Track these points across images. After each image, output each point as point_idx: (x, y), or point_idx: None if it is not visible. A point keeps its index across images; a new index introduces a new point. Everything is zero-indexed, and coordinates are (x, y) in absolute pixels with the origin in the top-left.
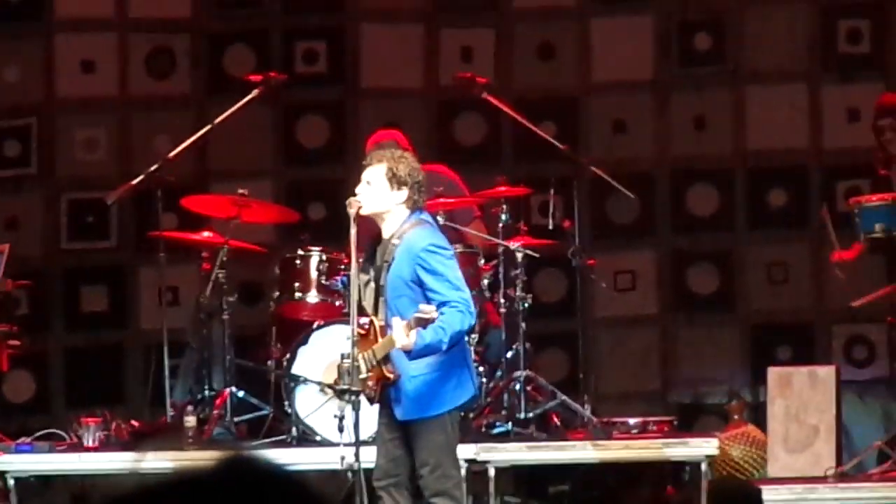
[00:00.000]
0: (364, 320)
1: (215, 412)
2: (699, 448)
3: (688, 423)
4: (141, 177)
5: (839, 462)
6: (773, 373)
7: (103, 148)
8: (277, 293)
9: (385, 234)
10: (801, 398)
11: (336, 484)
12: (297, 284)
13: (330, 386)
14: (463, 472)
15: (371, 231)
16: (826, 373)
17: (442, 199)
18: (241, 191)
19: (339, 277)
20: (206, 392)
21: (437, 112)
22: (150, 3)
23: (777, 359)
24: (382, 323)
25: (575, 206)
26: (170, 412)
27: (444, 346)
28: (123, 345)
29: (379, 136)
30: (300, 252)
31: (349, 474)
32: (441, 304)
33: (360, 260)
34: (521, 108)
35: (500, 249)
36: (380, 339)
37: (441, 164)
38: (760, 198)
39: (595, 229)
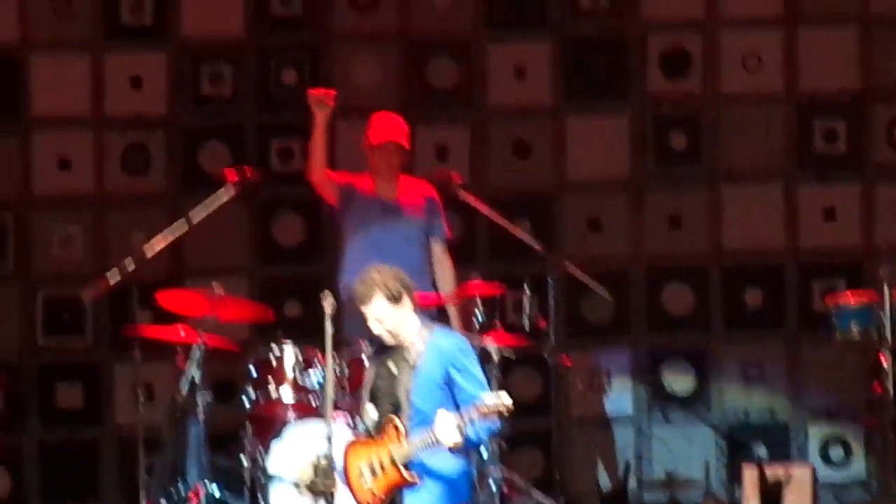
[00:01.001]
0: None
1: None
2: None
3: None
4: (117, 275)
5: None
6: (749, 472)
7: (79, 244)
8: (252, 390)
9: (405, 342)
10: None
11: None
12: (271, 382)
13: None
14: None
15: None
16: (802, 472)
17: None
18: (216, 288)
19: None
20: (181, 489)
21: None
22: (125, 100)
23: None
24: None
25: (550, 304)
26: None
27: (483, 444)
28: (98, 441)
29: (382, 116)
30: (275, 349)
31: None
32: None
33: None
34: (496, 206)
35: (475, 347)
36: (399, 442)
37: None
38: (736, 296)
39: (570, 328)
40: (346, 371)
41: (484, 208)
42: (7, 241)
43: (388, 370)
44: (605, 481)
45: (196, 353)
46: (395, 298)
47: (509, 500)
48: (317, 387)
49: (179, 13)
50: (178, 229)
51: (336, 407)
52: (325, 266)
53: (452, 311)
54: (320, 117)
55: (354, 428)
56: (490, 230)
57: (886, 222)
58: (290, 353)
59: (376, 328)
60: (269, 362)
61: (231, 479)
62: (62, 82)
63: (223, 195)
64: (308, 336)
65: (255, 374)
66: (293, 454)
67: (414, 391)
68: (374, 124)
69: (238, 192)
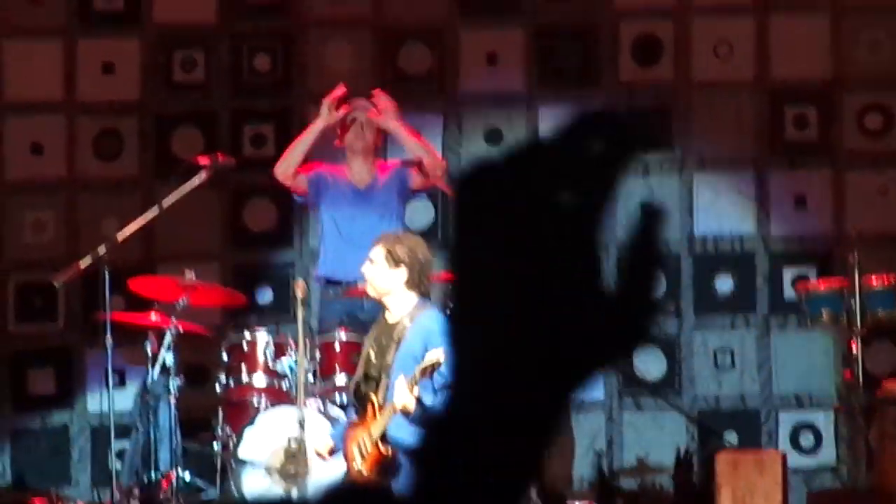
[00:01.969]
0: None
1: (161, 495)
2: None
3: None
4: (89, 261)
5: None
6: (720, 458)
7: (51, 230)
8: (224, 376)
9: (391, 319)
10: (748, 484)
11: None
12: (243, 367)
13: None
14: None
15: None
16: (772, 459)
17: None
18: (188, 273)
19: (284, 358)
20: (153, 474)
21: None
22: (98, 85)
23: (723, 445)
24: (381, 403)
25: None
26: (115, 495)
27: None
28: (70, 427)
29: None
30: (247, 335)
31: None
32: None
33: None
34: None
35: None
36: (375, 418)
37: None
38: (707, 284)
39: None
40: (319, 356)
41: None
42: None
43: (379, 347)
44: (578, 467)
45: (168, 338)
46: (393, 261)
47: None
48: (289, 372)
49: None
50: (149, 215)
51: (308, 392)
52: (297, 252)
53: None
54: (322, 124)
55: (325, 413)
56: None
57: (856, 210)
58: (262, 339)
59: (366, 273)
60: (242, 348)
61: (203, 464)
62: (34, 68)
63: (195, 181)
64: (279, 322)
65: (227, 360)
66: (265, 439)
67: (393, 367)
68: (346, 103)
69: (210, 177)
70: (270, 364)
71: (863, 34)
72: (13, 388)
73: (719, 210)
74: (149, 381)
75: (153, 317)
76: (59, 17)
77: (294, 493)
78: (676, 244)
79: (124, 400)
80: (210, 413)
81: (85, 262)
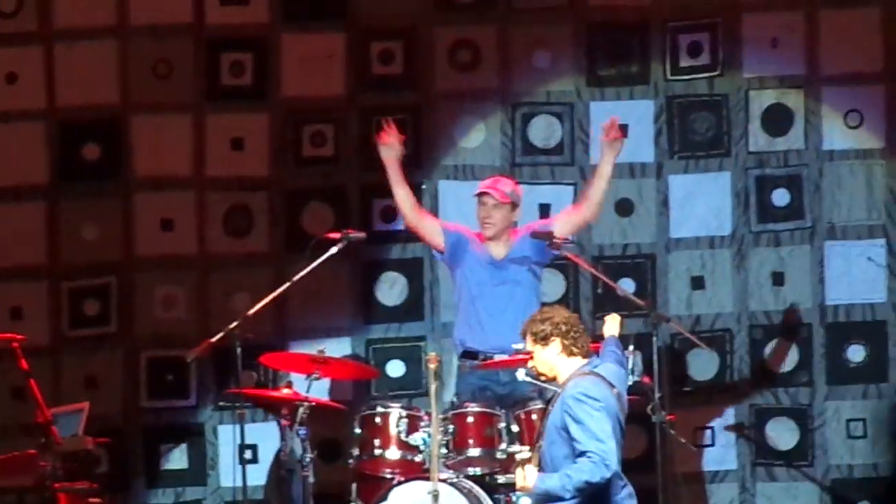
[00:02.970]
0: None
1: None
2: None
3: None
4: (220, 334)
5: None
6: None
7: (182, 306)
8: (357, 450)
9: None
10: None
11: None
12: (376, 441)
13: None
14: None
15: None
16: None
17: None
18: (319, 349)
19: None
20: None
21: None
22: (227, 161)
23: None
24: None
25: (654, 361)
26: None
27: (568, 496)
28: (203, 502)
29: (496, 180)
30: (379, 409)
31: None
32: (579, 454)
33: None
34: (600, 265)
35: None
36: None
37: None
38: (839, 352)
39: (675, 385)
40: (453, 429)
41: (586, 266)
42: (111, 303)
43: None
44: None
45: (300, 413)
46: (542, 340)
47: None
48: (422, 445)
49: (280, 74)
50: (281, 290)
51: (443, 465)
52: (428, 325)
53: None
54: (389, 161)
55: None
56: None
57: None
58: (395, 413)
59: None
60: (374, 421)
61: None
62: (164, 143)
63: (327, 255)
64: (412, 395)
65: (359, 434)
66: None
67: (544, 437)
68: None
69: (341, 251)
70: (403, 437)
71: None
72: (146, 464)
73: (851, 278)
74: (282, 455)
75: (285, 391)
76: (188, 93)
77: None
78: (809, 313)
79: (257, 475)
80: (343, 488)
81: (217, 338)
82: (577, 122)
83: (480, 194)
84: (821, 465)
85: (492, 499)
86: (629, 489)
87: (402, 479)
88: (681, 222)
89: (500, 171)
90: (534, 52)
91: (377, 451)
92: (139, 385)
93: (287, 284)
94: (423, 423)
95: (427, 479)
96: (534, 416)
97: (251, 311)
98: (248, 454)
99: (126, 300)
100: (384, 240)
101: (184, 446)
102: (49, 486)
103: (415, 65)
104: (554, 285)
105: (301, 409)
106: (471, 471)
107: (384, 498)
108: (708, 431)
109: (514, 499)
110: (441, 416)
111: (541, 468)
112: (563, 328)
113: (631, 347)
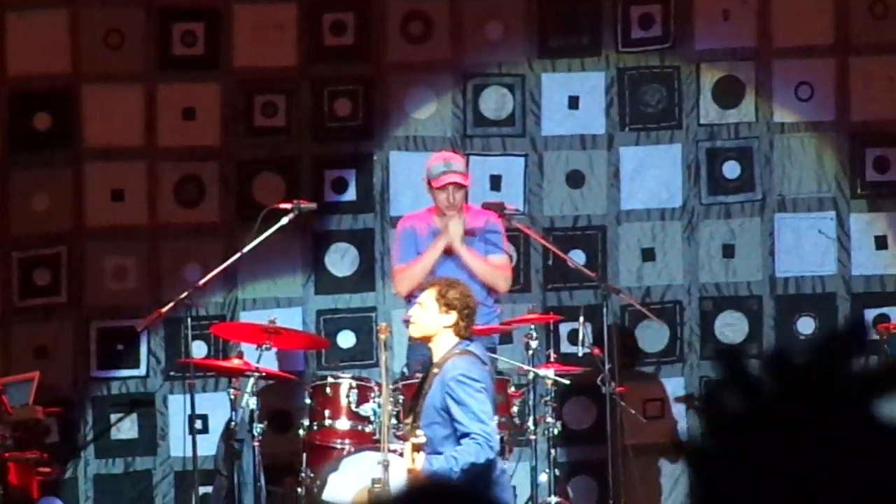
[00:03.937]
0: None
1: None
2: None
3: None
4: (171, 304)
5: None
6: None
7: (132, 276)
8: (307, 420)
9: (435, 357)
10: None
11: None
12: (327, 412)
13: None
14: None
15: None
16: None
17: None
18: (270, 318)
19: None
20: None
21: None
22: (178, 131)
23: None
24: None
25: (604, 333)
26: None
27: (454, 477)
28: (153, 472)
29: (443, 153)
30: (330, 379)
31: None
32: (462, 435)
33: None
34: (551, 236)
35: (531, 376)
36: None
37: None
38: (789, 324)
39: (624, 357)
40: (402, 398)
41: (537, 237)
42: (60, 273)
43: (420, 389)
44: None
45: (250, 384)
46: (444, 305)
47: None
48: (372, 416)
49: (232, 44)
50: (231, 260)
51: (393, 435)
52: (380, 296)
53: None
54: (444, 242)
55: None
56: (544, 260)
57: None
58: (345, 383)
59: (414, 316)
60: (325, 392)
61: None
62: (115, 113)
63: (277, 226)
64: (362, 366)
65: (310, 404)
66: (349, 483)
67: (421, 414)
68: (433, 165)
69: (292, 222)
70: (354, 408)
71: None
72: (97, 434)
73: (801, 251)
74: (233, 426)
75: (236, 361)
76: (138, 63)
77: None
78: (759, 285)
79: (207, 445)
80: (294, 458)
81: (167, 308)
82: (529, 94)
83: (450, 185)
84: None
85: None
86: (502, 465)
87: (353, 449)
88: (631, 194)
89: (451, 143)
90: (486, 24)
91: (328, 422)
92: (89, 355)
93: (237, 255)
94: (373, 394)
95: (378, 449)
96: None
97: (202, 282)
98: (198, 424)
99: (76, 270)
100: (335, 210)
101: (134, 416)
102: None
103: (367, 36)
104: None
105: (252, 380)
106: None
107: (335, 468)
108: (658, 403)
109: None
110: (391, 387)
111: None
112: (468, 311)
113: (581, 319)
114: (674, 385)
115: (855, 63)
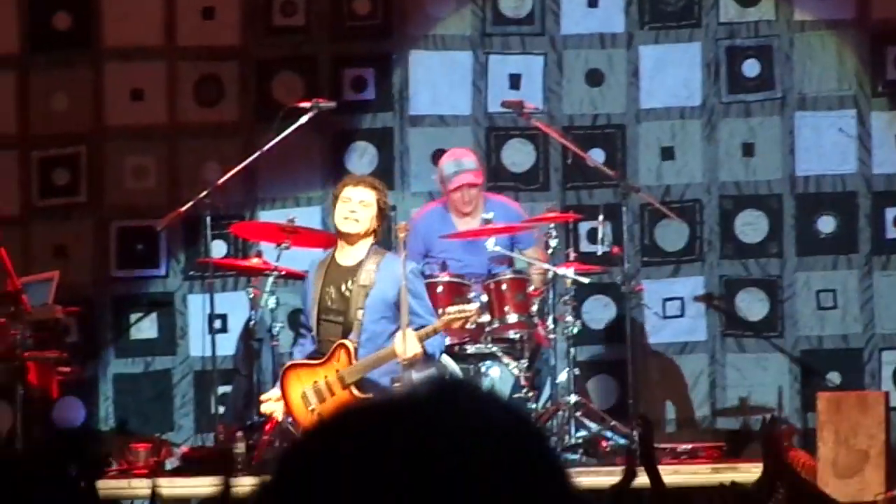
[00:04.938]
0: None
1: (265, 438)
2: (749, 473)
3: (737, 449)
4: (190, 203)
5: (889, 487)
6: (823, 398)
7: (152, 175)
8: None
9: (346, 261)
10: (851, 423)
11: None
12: None
13: None
14: None
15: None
16: (875, 398)
17: (503, 225)
18: (290, 217)
19: None
20: (256, 418)
21: (486, 139)
22: (198, 31)
23: (826, 385)
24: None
25: (624, 232)
26: (218, 437)
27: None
28: (172, 371)
29: (454, 152)
30: None
31: None
32: (420, 327)
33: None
34: (570, 135)
35: (550, 275)
36: (349, 363)
37: (500, 193)
38: (809, 223)
39: (644, 255)
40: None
41: (556, 136)
42: (80, 173)
43: (339, 291)
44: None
45: (269, 282)
46: (380, 209)
47: (583, 427)
48: None
49: None
50: (250, 159)
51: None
52: (399, 194)
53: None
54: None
55: None
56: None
57: None
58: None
59: (350, 210)
60: None
61: None
62: (134, 13)
63: (296, 125)
64: None
65: None
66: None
67: (366, 312)
68: (445, 165)
69: (311, 121)
70: None
71: None
72: (116, 334)
73: (821, 149)
74: (251, 325)
75: (255, 260)
76: None
77: None
78: (779, 183)
79: (227, 345)
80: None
81: (186, 207)
82: None
83: (464, 186)
84: (790, 336)
85: (461, 369)
86: None
87: None
88: (651, 93)
89: (471, 41)
90: None
91: None
92: (109, 254)
93: (257, 154)
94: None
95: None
96: (503, 286)
97: (221, 181)
98: (217, 324)
99: (96, 170)
100: (354, 109)
101: (153, 316)
102: (18, 355)
103: None
104: (524, 155)
105: (270, 279)
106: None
107: None
108: (677, 302)
109: (483, 369)
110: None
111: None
112: (389, 215)
113: (601, 217)
114: (693, 284)
115: None
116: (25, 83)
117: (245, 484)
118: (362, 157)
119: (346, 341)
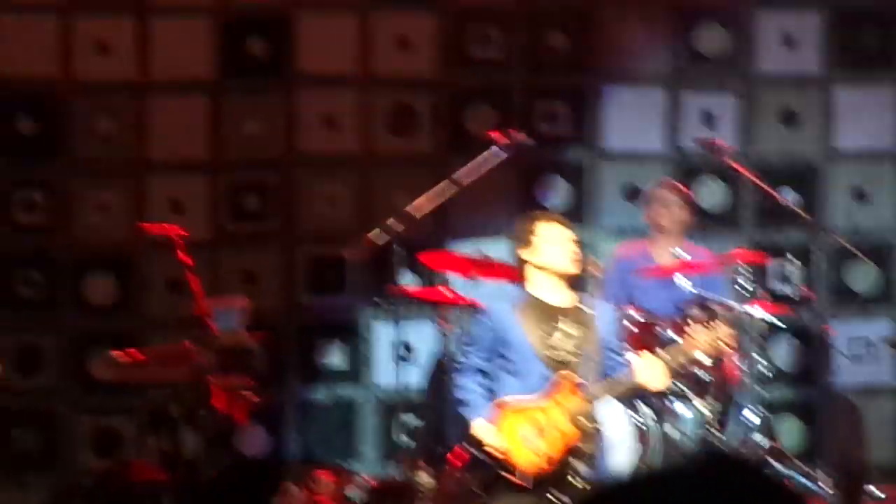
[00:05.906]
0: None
1: (451, 469)
2: None
3: None
4: (381, 235)
5: None
6: None
7: (343, 203)
8: None
9: (557, 302)
10: None
11: None
12: None
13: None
14: None
15: None
16: None
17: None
18: (480, 249)
19: None
20: (442, 449)
21: (677, 176)
22: (392, 60)
23: None
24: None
25: (814, 272)
26: (400, 468)
27: None
28: (357, 400)
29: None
30: None
31: None
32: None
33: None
34: (762, 174)
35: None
36: (576, 397)
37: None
38: None
39: (834, 297)
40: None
41: (750, 176)
42: (270, 199)
43: (561, 331)
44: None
45: (459, 314)
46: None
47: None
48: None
49: None
50: (444, 191)
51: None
52: (589, 231)
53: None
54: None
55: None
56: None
57: None
58: None
59: (574, 251)
60: None
61: None
62: (329, 41)
63: (490, 157)
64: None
65: None
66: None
67: (591, 350)
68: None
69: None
70: None
71: None
72: (302, 361)
73: None
74: (441, 356)
75: (444, 292)
76: None
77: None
78: None
79: (412, 374)
80: None
81: (376, 236)
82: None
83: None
84: None
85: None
86: None
87: None
88: (845, 134)
89: (664, 78)
90: None
91: None
92: (297, 281)
93: (450, 184)
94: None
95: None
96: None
97: (413, 210)
98: (403, 353)
99: (287, 196)
100: (546, 143)
101: (340, 344)
102: (204, 379)
103: None
104: (714, 193)
105: (460, 310)
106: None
107: None
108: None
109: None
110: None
111: None
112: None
113: (790, 257)
114: (881, 327)
115: None
116: (218, 108)
117: None
118: (554, 190)
119: (570, 374)
